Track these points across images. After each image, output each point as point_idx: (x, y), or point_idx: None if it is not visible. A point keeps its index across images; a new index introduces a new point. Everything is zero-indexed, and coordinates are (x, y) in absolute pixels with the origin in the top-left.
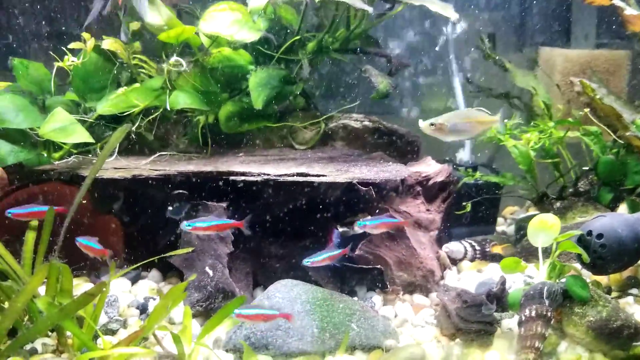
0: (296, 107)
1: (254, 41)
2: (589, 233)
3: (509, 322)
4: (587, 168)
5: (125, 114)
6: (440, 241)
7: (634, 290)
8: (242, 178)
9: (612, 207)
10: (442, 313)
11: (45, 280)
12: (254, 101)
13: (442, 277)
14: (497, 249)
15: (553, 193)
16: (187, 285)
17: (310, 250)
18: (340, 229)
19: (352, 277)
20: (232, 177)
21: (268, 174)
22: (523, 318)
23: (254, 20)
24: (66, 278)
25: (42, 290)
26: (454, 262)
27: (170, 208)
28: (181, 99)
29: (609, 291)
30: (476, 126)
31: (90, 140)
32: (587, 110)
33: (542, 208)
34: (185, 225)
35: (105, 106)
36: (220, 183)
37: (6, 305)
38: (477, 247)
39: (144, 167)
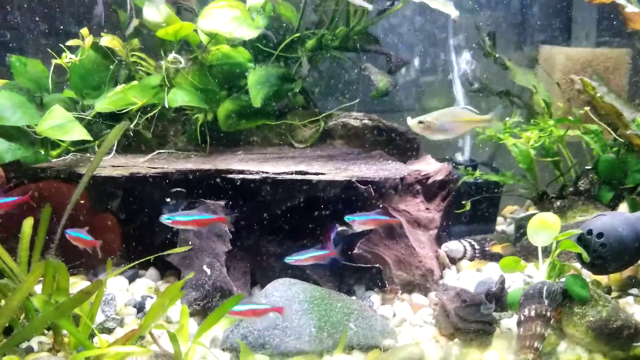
0: (295, 105)
1: (253, 38)
2: (589, 232)
3: (508, 321)
4: (588, 167)
5: (123, 111)
6: (439, 240)
7: (634, 290)
8: (241, 176)
9: (613, 206)
10: (441, 312)
11: (42, 278)
12: (253, 99)
13: (442, 277)
14: (497, 248)
15: (553, 192)
16: (184, 284)
17: (308, 249)
18: (340, 228)
19: (350, 276)
20: (230, 175)
21: (267, 172)
22: (522, 318)
23: (252, 17)
24: (62, 276)
25: (38, 288)
26: (453, 261)
27: (167, 206)
28: (179, 97)
29: (609, 291)
30: (465, 125)
31: (88, 137)
32: (587, 108)
33: (542, 207)
34: (165, 219)
35: (104, 104)
36: (219, 181)
37: (2, 303)
38: (477, 246)
39: (142, 165)
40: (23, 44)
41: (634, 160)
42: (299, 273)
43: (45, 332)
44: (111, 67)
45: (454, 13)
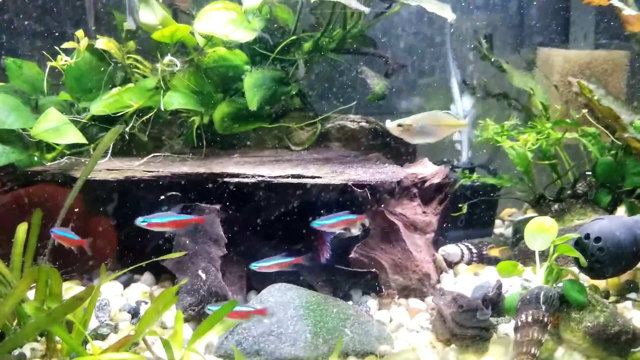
0: (292, 108)
1: (250, 41)
2: (587, 236)
3: (506, 327)
4: (587, 170)
5: (119, 114)
6: (436, 244)
7: (633, 295)
8: (236, 180)
9: (611, 209)
10: (438, 318)
11: (35, 284)
12: (249, 102)
13: (439, 281)
14: (495, 252)
15: (551, 195)
16: (179, 289)
17: (303, 253)
18: (337, 232)
19: (346, 281)
20: (225, 179)
21: (262, 176)
22: (519, 323)
23: (249, 20)
24: (55, 282)
25: (32, 294)
26: (451, 265)
27: (160, 210)
28: (175, 100)
29: (607, 295)
30: (444, 129)
31: (84, 141)
32: (585, 111)
33: (540, 210)
34: (140, 222)
35: (99, 106)
36: (214, 185)
37: None
38: (474, 250)
39: (137, 168)
40: (18, 46)
41: (632, 163)
42: (294, 278)
43: (39, 338)
44: (107, 69)
45: (450, 16)
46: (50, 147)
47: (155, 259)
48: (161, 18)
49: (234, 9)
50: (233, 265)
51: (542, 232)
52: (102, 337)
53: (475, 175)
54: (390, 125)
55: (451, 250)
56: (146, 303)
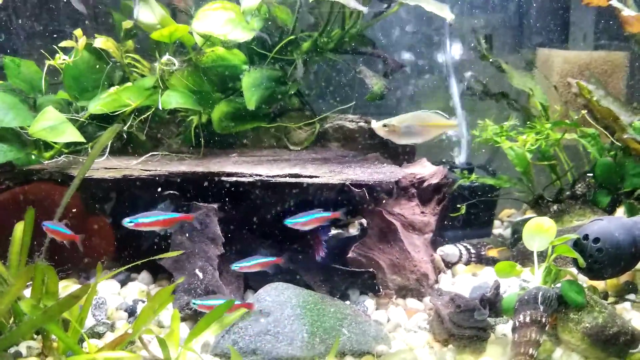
0: (290, 108)
1: (248, 41)
2: (586, 237)
3: (504, 327)
4: (586, 171)
5: (117, 113)
6: (435, 244)
7: (631, 296)
8: (234, 179)
9: (610, 210)
10: (435, 318)
11: (31, 282)
12: (247, 101)
13: (437, 281)
14: (493, 253)
15: (550, 196)
16: (176, 288)
17: (301, 253)
18: (335, 231)
19: (344, 281)
20: (223, 178)
21: (260, 175)
22: (517, 324)
23: (247, 19)
24: (52, 280)
25: (29, 293)
26: (449, 265)
27: (157, 208)
28: (174, 99)
29: (605, 296)
30: (431, 129)
31: (81, 139)
32: (584, 112)
33: (539, 211)
34: (126, 222)
35: (97, 105)
36: (212, 184)
37: None
38: (473, 251)
39: (135, 167)
40: (17, 45)
41: (632, 164)
42: (291, 277)
43: (35, 336)
44: (105, 68)
45: (449, 16)
46: (48, 146)
47: (152, 258)
48: (160, 17)
49: (232, 9)
50: (230, 265)
51: (540, 232)
52: (99, 336)
53: (474, 176)
54: (376, 125)
55: (449, 250)
56: (143, 302)
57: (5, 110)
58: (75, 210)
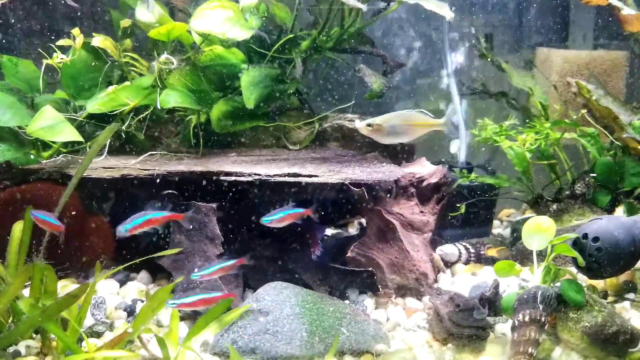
0: (290, 107)
1: (247, 39)
2: (585, 236)
3: (503, 326)
4: (587, 170)
5: (115, 112)
6: (434, 243)
7: (631, 295)
8: (233, 178)
9: (609, 209)
10: (435, 317)
11: (30, 281)
12: (246, 100)
13: (436, 280)
14: (492, 252)
15: (549, 195)
16: (175, 287)
17: (300, 252)
18: (334, 231)
19: (343, 280)
20: (222, 177)
21: (259, 174)
22: (516, 323)
23: (245, 18)
24: (50, 279)
25: (28, 292)
26: (448, 264)
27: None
28: (172, 98)
29: (605, 296)
30: (416, 129)
31: (79, 139)
32: (584, 111)
33: (538, 210)
34: (122, 231)
35: (95, 105)
36: (211, 183)
37: None
38: (472, 250)
39: (134, 166)
40: (14, 44)
41: (631, 163)
42: (291, 277)
43: (34, 335)
44: (103, 67)
45: (448, 14)
46: (46, 145)
47: (151, 256)
48: (158, 16)
49: (230, 7)
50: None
51: (539, 231)
52: (98, 335)
53: (473, 175)
54: (359, 125)
55: (449, 249)
56: (142, 301)
57: (3, 109)
58: (73, 209)
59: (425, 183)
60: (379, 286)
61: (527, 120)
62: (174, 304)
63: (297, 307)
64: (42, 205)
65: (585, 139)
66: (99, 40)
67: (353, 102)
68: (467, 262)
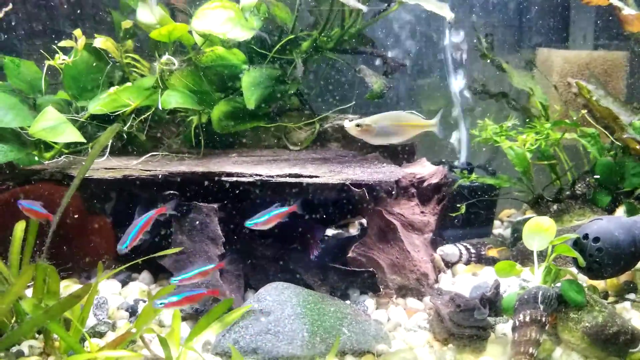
0: (290, 107)
1: (248, 40)
2: (585, 236)
3: (504, 327)
4: (587, 170)
5: (117, 113)
6: (434, 244)
7: (631, 295)
8: (234, 179)
9: (610, 210)
10: (435, 317)
11: (33, 282)
12: (247, 101)
13: (437, 281)
14: (493, 252)
15: (549, 195)
16: (176, 287)
17: (301, 252)
18: (335, 231)
19: (344, 280)
20: (223, 178)
21: (260, 175)
22: (517, 323)
23: (246, 18)
24: (53, 279)
25: (30, 293)
26: (449, 265)
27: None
28: (173, 99)
29: (605, 296)
30: (407, 130)
31: (81, 139)
32: (584, 111)
33: (539, 210)
34: (122, 249)
35: (97, 105)
36: (212, 184)
37: None
38: (473, 250)
39: (135, 167)
40: (16, 45)
41: (632, 163)
42: (292, 277)
43: (36, 336)
44: (105, 68)
45: (449, 15)
46: (48, 146)
47: (152, 256)
48: (159, 17)
49: (231, 8)
50: (230, 264)
51: (540, 232)
52: (100, 335)
53: (473, 176)
54: (348, 125)
55: (449, 250)
56: (144, 301)
57: (5, 110)
58: (75, 210)
59: (425, 183)
60: (380, 286)
61: (527, 121)
62: (162, 303)
63: (299, 307)
64: (46, 206)
65: (586, 139)
66: (101, 41)
67: (354, 102)
68: (467, 263)
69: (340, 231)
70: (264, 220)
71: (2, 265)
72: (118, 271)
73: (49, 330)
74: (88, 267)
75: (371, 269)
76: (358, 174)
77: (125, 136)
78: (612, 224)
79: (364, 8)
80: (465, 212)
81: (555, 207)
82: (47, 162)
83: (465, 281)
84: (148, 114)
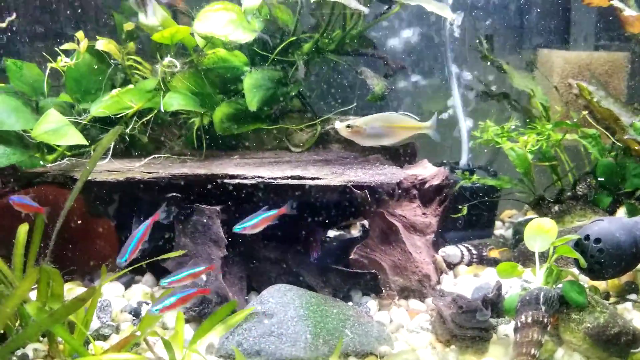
0: (292, 109)
1: (250, 42)
2: (587, 237)
3: (505, 328)
4: (588, 171)
5: (119, 115)
6: (436, 245)
7: (633, 296)
8: (236, 181)
9: (611, 210)
10: (438, 319)
11: (37, 285)
12: (249, 103)
13: (439, 282)
14: (494, 253)
15: (551, 196)
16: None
17: (303, 255)
18: (337, 233)
19: (346, 282)
20: (226, 180)
21: (262, 177)
22: (519, 324)
23: (248, 20)
24: (57, 282)
25: (34, 295)
26: (450, 266)
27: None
28: (175, 101)
29: (607, 297)
30: (399, 132)
31: (84, 142)
32: (585, 112)
33: (540, 211)
34: (122, 262)
35: (99, 108)
36: (214, 186)
37: None
38: (474, 251)
39: (138, 169)
40: (19, 48)
41: (632, 164)
42: (295, 279)
43: (41, 339)
44: (107, 71)
45: (450, 16)
46: (50, 149)
47: (155, 259)
48: (161, 19)
49: (233, 10)
50: (233, 267)
51: (541, 233)
52: (104, 338)
53: (475, 177)
54: (339, 126)
55: (451, 251)
56: (147, 304)
57: (7, 113)
58: (78, 212)
59: (427, 185)
60: (382, 288)
61: (528, 122)
62: (157, 310)
63: (301, 310)
64: (36, 201)
65: (587, 140)
66: (103, 44)
67: (355, 104)
68: (469, 264)
69: (342, 233)
70: (252, 224)
71: (6, 268)
72: (121, 274)
73: (53, 333)
74: (91, 269)
75: (373, 271)
76: (360, 175)
77: (128, 138)
78: (613, 225)
79: (366, 10)
80: (467, 214)
81: (556, 208)
82: (49, 164)
83: (467, 282)
84: (150, 116)
